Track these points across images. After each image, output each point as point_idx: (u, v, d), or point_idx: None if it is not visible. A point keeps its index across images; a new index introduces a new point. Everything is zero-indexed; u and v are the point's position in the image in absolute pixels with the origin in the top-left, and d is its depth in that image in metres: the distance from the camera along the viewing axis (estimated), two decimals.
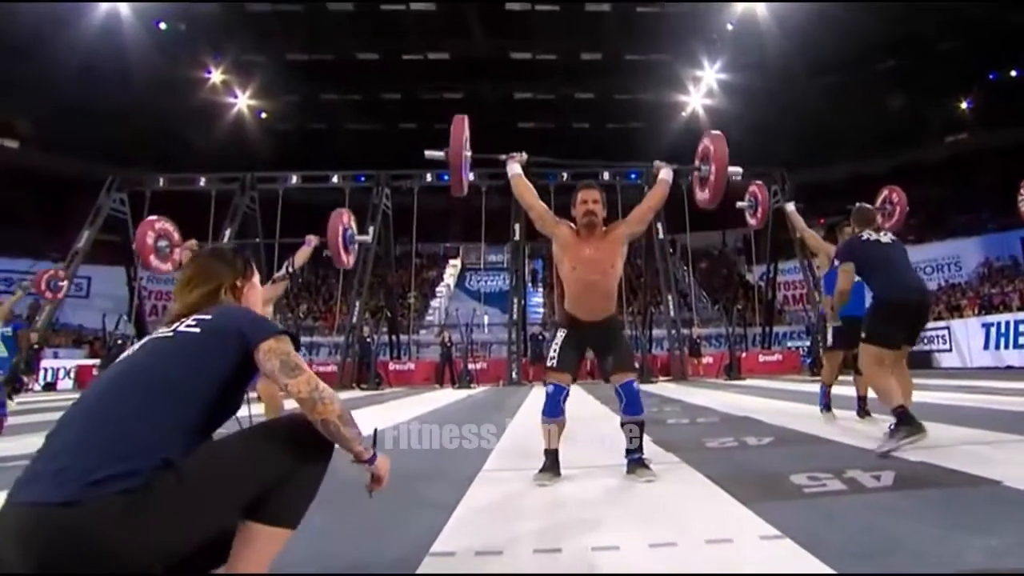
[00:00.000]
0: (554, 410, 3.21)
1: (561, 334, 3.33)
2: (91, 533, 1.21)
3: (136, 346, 1.59)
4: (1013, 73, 25.45)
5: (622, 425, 3.20)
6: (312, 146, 27.70)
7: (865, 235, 4.00)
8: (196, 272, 1.72)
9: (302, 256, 4.59)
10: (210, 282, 1.69)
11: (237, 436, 1.50)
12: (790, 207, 6.41)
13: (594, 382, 11.46)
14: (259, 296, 1.84)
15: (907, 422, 3.31)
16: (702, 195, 3.79)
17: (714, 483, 2.79)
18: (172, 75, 23.72)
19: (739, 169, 3.54)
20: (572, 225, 3.32)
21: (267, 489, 1.42)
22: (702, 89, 25.80)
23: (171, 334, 1.54)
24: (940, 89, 25.81)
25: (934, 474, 2.81)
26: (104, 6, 19.17)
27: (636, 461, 3.12)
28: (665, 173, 3.53)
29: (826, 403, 5.32)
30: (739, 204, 6.71)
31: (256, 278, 1.83)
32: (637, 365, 3.60)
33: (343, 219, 5.12)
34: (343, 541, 1.92)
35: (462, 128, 3.41)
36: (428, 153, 3.40)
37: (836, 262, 5.33)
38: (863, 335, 3.80)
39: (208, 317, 1.57)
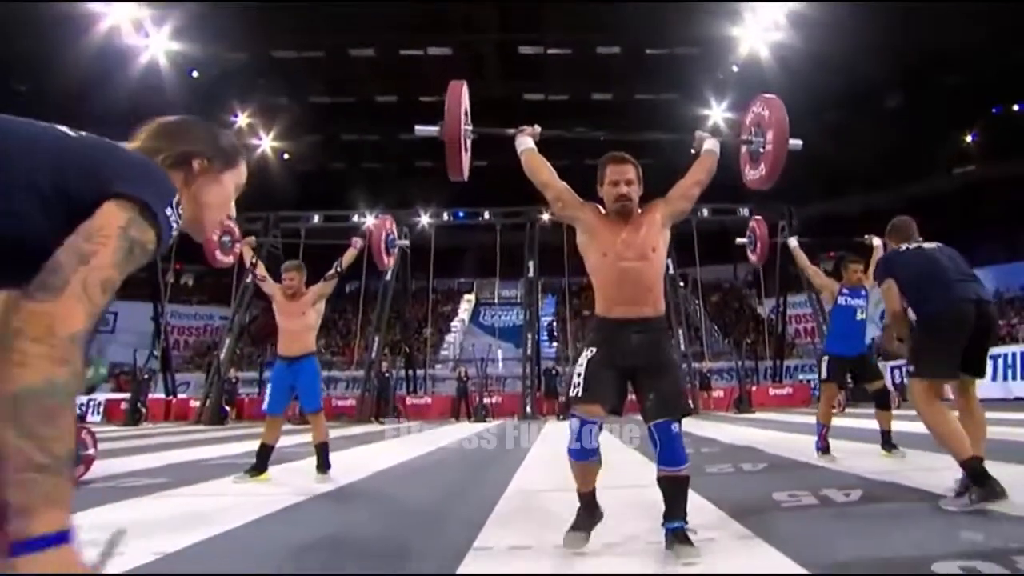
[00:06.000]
0: (584, 450, 2.41)
1: (587, 353, 2.52)
2: None
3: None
4: (1015, 107, 26.00)
5: (658, 480, 2.43)
6: (331, 184, 28.74)
7: (903, 246, 3.40)
8: (159, 122, 1.25)
9: (349, 257, 5.15)
10: (159, 139, 1.21)
11: None
12: (793, 242, 6.21)
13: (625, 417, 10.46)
14: (220, 202, 1.29)
15: (981, 482, 2.65)
16: (754, 173, 3.07)
17: (709, 501, 3.16)
18: (201, 119, 24.92)
19: (799, 142, 2.90)
20: (599, 207, 2.67)
21: None
22: (709, 128, 26.52)
23: (46, 125, 1.05)
24: (945, 123, 26.35)
25: (896, 492, 3.25)
26: (145, 57, 20.44)
27: (675, 532, 2.29)
28: (711, 144, 2.85)
29: (823, 446, 4.94)
30: (739, 240, 6.72)
31: (231, 177, 1.31)
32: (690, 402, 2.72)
33: (386, 225, 5.82)
34: None
35: (460, 97, 2.79)
36: (419, 128, 2.87)
37: (842, 299, 5.25)
38: (910, 368, 3.15)
39: (102, 138, 1.10)
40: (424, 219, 21.65)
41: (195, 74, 22.94)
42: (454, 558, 2.23)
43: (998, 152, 25.75)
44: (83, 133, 1.07)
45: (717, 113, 25.86)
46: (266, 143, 27.21)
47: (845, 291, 5.28)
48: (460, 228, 23.49)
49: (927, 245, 3.32)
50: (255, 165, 27.44)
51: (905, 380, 3.77)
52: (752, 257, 6.83)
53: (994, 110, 26.77)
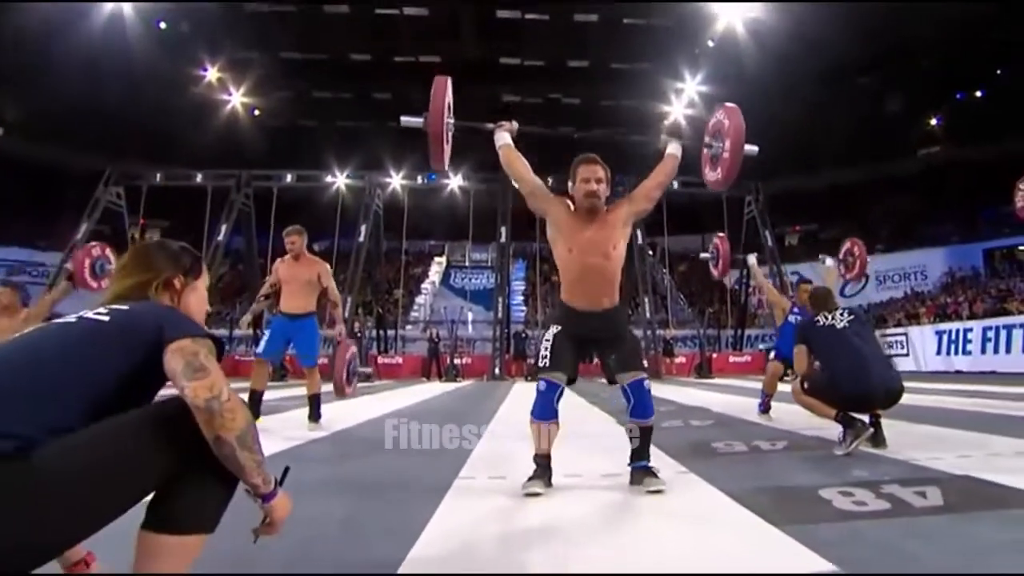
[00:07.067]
0: (546, 411, 2.75)
1: (554, 329, 2.88)
2: None
3: (43, 324, 1.38)
4: (978, 94, 26.85)
5: (628, 429, 2.82)
6: (303, 141, 28.46)
7: (820, 318, 3.83)
8: (132, 258, 1.53)
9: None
10: (145, 272, 1.49)
11: (113, 424, 1.20)
12: (751, 260, 6.95)
13: (589, 379, 10.58)
14: (201, 304, 1.59)
15: (849, 424, 3.35)
16: (713, 175, 3.26)
17: (656, 447, 3.64)
18: (169, 72, 24.28)
19: (755, 148, 3.09)
20: (569, 203, 2.93)
21: (159, 486, 1.21)
22: (684, 100, 26.82)
23: (75, 319, 1.34)
24: (914, 105, 27.07)
25: (814, 444, 3.78)
26: (109, 6, 19.73)
27: (642, 468, 2.72)
28: (674, 147, 3.12)
29: (765, 408, 5.43)
30: (702, 255, 7.51)
31: (202, 282, 1.60)
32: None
33: (346, 354, 5.63)
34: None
35: (444, 92, 3.02)
36: (404, 120, 3.07)
37: (792, 317, 5.61)
38: (804, 384, 3.69)
39: (124, 307, 1.38)
40: (396, 181, 21.75)
41: (163, 25, 22.33)
42: (444, 486, 2.67)
43: (960, 137, 26.65)
44: (110, 310, 1.36)
45: (691, 86, 26.15)
46: (236, 98, 26.72)
47: (796, 310, 5.60)
48: (432, 191, 23.63)
49: (839, 324, 3.72)
50: (224, 120, 27.03)
51: None
52: (715, 272, 7.62)
53: (958, 96, 27.56)
